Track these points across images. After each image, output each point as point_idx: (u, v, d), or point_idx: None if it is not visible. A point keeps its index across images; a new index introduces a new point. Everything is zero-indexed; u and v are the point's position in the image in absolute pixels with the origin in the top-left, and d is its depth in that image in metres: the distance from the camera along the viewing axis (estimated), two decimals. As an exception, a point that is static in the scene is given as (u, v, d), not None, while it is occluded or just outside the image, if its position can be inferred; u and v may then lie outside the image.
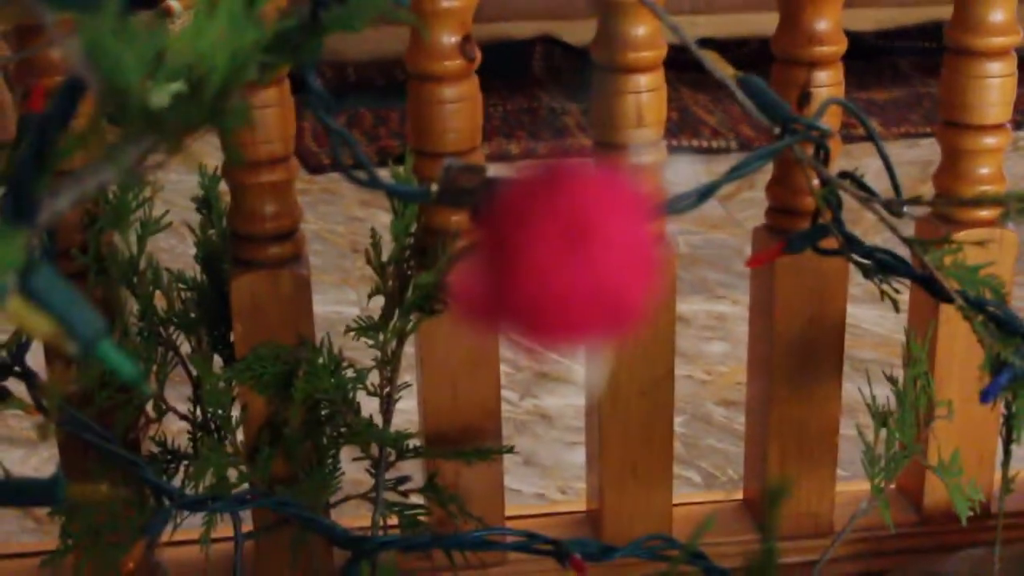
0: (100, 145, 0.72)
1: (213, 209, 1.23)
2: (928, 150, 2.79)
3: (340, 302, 1.52)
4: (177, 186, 1.15)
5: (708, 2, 3.25)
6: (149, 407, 1.24)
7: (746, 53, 3.16)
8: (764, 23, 2.65)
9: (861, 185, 1.14)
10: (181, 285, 1.22)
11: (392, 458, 1.24)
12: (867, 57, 3.40)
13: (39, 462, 1.11)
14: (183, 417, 1.23)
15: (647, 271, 0.46)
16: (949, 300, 1.14)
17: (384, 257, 1.21)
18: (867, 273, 1.15)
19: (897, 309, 1.13)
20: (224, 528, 1.21)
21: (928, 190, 1.30)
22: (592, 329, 0.47)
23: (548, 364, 0.46)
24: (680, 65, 1.71)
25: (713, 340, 1.95)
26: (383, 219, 1.24)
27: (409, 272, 1.21)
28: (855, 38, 1.50)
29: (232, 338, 1.22)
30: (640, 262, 0.46)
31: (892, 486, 1.27)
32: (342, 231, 2.04)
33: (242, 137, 1.16)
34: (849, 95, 1.27)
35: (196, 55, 0.73)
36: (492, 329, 0.48)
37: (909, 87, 3.30)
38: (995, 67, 1.24)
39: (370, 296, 1.23)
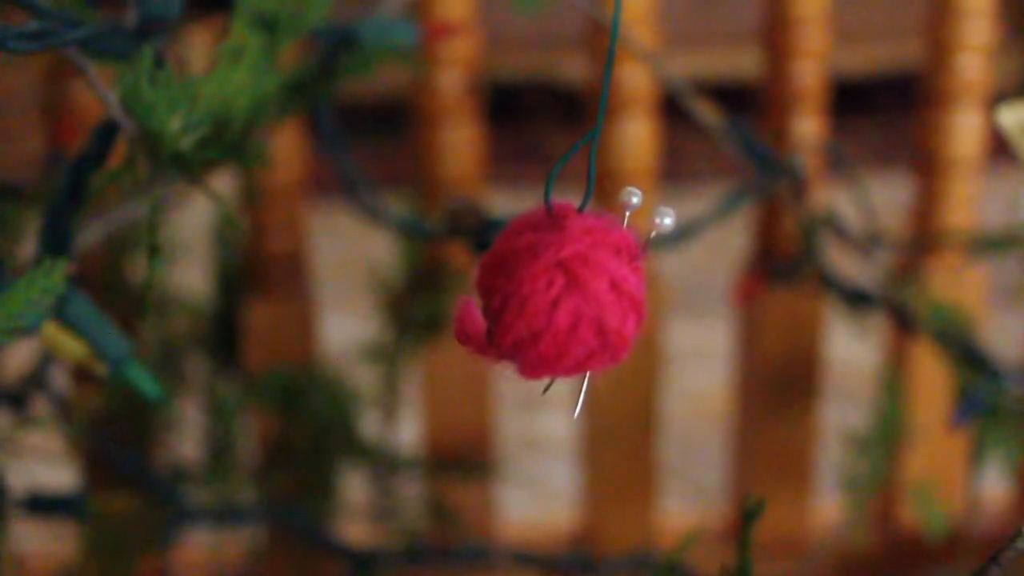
0: (131, 182, 0.79)
1: (226, 237, 1.29)
2: (908, 187, 2.83)
3: (346, 327, 1.58)
4: (186, 213, 1.21)
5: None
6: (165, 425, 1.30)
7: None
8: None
9: (838, 226, 1.21)
10: (194, 310, 1.28)
11: (393, 476, 1.30)
12: (851, 95, 3.44)
13: (61, 477, 1.17)
14: (195, 436, 1.29)
15: (635, 308, 0.51)
16: (919, 332, 1.20)
17: (390, 285, 1.27)
18: (843, 305, 1.22)
19: (870, 341, 1.18)
20: (233, 542, 1.27)
21: (907, 227, 1.35)
22: (583, 362, 0.51)
23: (541, 389, 0.51)
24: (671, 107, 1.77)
25: (697, 367, 2.01)
26: (390, 248, 1.30)
27: (413, 300, 1.27)
28: (841, 77, 1.55)
29: (242, 361, 1.28)
30: (629, 299, 0.51)
31: (866, 508, 1.32)
32: (349, 258, 2.09)
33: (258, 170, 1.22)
34: (833, 133, 1.32)
35: (221, 101, 0.79)
36: (490, 358, 0.53)
37: (892, 124, 3.34)
38: (966, 109, 1.28)
39: (374, 322, 1.30)
